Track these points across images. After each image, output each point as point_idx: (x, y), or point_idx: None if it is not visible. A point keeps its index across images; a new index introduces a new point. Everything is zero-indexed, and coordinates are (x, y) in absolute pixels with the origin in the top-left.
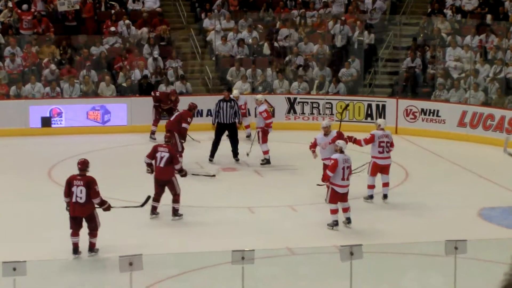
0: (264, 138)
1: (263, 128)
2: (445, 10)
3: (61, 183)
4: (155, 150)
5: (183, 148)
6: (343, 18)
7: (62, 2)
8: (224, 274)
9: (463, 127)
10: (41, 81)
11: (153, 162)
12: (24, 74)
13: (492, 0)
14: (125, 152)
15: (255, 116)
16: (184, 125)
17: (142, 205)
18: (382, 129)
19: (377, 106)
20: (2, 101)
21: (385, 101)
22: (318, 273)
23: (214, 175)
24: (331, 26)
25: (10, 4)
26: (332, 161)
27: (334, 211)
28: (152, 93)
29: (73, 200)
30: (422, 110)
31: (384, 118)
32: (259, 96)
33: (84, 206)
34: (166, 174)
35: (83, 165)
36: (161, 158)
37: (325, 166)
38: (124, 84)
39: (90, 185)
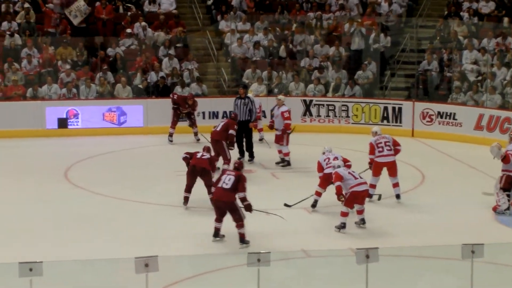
0: (287, 140)
1: (283, 130)
2: (461, 13)
3: (77, 184)
4: None
5: (230, 156)
6: (359, 20)
7: (74, 15)
8: (240, 276)
9: (480, 130)
10: (57, 83)
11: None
12: (41, 76)
13: (509, 3)
14: (141, 153)
15: (271, 117)
16: (231, 131)
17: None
18: (379, 135)
19: (393, 109)
20: (19, 102)
21: (402, 104)
22: (333, 276)
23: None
24: (347, 28)
25: (26, 5)
26: (334, 175)
27: (345, 214)
28: (171, 96)
29: (219, 185)
30: (439, 113)
31: (401, 121)
32: (281, 97)
33: (226, 192)
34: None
35: (240, 165)
36: None
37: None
38: (140, 86)
39: (241, 179)
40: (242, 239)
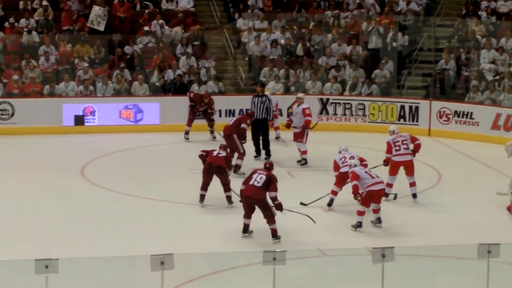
0: (306, 138)
1: (304, 126)
2: (480, 12)
3: (93, 181)
4: None
5: (244, 150)
6: (377, 19)
7: (97, 22)
8: (255, 274)
9: (497, 129)
10: (75, 80)
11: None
12: (58, 73)
13: None
14: (157, 151)
15: (288, 116)
16: (243, 125)
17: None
18: (396, 133)
19: (410, 107)
20: (36, 99)
21: (418, 103)
22: (349, 275)
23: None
24: (365, 27)
25: (45, 3)
26: (351, 174)
27: (362, 213)
28: (187, 94)
29: (250, 182)
30: (456, 112)
31: (417, 120)
32: (301, 95)
33: (258, 189)
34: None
35: (271, 165)
36: None
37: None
38: (157, 84)
39: (272, 179)
40: (275, 235)
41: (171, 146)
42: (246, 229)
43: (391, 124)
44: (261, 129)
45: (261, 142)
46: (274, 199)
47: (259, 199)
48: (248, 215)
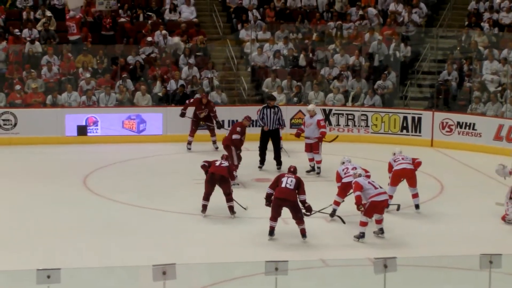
0: (321, 148)
1: (320, 137)
2: (482, 24)
3: (96, 191)
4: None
5: (238, 162)
6: (379, 36)
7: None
8: (258, 285)
9: (500, 140)
10: (77, 90)
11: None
12: (61, 83)
13: None
14: (160, 161)
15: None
16: (234, 136)
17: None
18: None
19: (413, 118)
20: (39, 110)
21: (421, 114)
22: (351, 285)
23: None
24: (368, 38)
25: (48, 13)
26: (354, 185)
27: (365, 224)
28: (187, 102)
29: (283, 185)
30: (458, 123)
31: (420, 131)
32: (311, 106)
33: (291, 191)
34: None
35: (295, 169)
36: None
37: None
38: (160, 94)
39: (301, 181)
40: (304, 234)
41: (174, 157)
42: (272, 232)
43: (394, 135)
44: (273, 138)
45: (266, 152)
46: (304, 202)
47: (293, 201)
48: (276, 217)
